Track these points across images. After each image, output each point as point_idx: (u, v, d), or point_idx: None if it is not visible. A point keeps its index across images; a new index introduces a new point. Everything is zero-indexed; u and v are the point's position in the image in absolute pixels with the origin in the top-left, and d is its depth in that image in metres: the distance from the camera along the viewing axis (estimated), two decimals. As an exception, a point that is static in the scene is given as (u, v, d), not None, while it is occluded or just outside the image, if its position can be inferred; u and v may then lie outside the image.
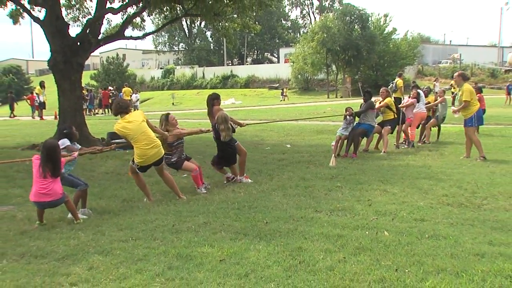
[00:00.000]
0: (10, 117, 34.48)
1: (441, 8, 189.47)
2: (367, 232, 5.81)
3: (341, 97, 48.55)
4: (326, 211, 6.87)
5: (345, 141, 12.23)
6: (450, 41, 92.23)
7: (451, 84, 28.25)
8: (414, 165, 10.53)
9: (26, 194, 8.71)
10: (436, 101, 14.55)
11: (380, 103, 12.85)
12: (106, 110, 35.85)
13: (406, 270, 4.60)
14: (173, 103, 52.09)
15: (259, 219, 6.50)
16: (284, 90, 51.83)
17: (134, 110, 34.70)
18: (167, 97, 57.13)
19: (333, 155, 11.13)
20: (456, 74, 11.87)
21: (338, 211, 6.85)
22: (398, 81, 21.88)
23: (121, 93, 35.87)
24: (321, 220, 6.38)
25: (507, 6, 75.17)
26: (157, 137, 8.11)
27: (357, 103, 35.05)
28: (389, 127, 12.79)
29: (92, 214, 7.32)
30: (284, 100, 48.26)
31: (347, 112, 12.25)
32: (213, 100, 9.82)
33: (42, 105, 31.39)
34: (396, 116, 12.93)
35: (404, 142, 13.74)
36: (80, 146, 7.93)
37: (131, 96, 35.15)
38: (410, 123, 13.57)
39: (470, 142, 11.37)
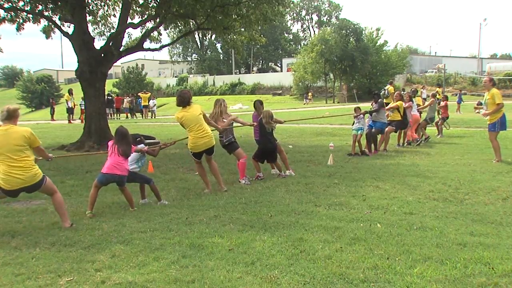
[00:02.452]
0: (51, 120, 34.43)
1: (427, 22, 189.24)
2: (361, 224, 5.80)
3: (338, 102, 48.49)
4: (324, 205, 6.86)
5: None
6: (435, 52, 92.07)
7: (437, 90, 28.21)
8: (403, 164, 10.51)
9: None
10: (426, 104, 15.24)
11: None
12: (118, 114, 35.99)
13: (397, 258, 4.59)
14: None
15: (264, 212, 6.50)
16: (309, 94, 51.61)
17: (152, 114, 34.92)
18: (181, 102, 57.10)
19: (331, 154, 11.10)
20: (486, 79, 11.22)
21: (335, 206, 6.84)
22: (390, 88, 22.01)
23: (140, 99, 35.93)
24: (320, 214, 6.38)
25: (485, 22, 74.79)
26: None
27: (352, 108, 35.03)
28: (394, 127, 13.03)
29: (167, 203, 7.47)
30: (307, 104, 48.25)
31: (357, 112, 12.43)
32: (258, 105, 9.97)
33: (70, 110, 31.46)
34: (401, 118, 13.12)
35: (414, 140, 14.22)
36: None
37: (149, 101, 35.20)
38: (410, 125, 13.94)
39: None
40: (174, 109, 53.19)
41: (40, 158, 6.53)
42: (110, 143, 7.09)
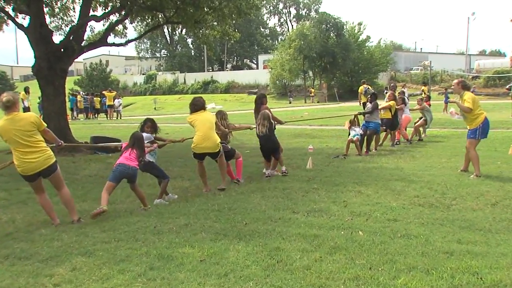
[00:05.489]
0: None
1: (412, 17, 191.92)
2: (342, 232, 5.83)
3: (318, 102, 48.80)
4: (303, 212, 6.89)
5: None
6: (421, 48, 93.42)
7: (422, 89, 28.68)
8: (387, 167, 10.62)
9: (11, 197, 8.65)
10: (416, 108, 15.86)
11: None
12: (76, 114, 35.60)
13: (380, 268, 4.63)
14: (155, 108, 51.78)
15: (238, 220, 6.49)
16: (312, 90, 51.84)
17: (117, 114, 34.56)
18: (149, 102, 56.76)
19: (310, 157, 11.16)
20: (455, 82, 10.12)
21: (314, 212, 6.86)
22: (361, 87, 22.74)
23: (105, 98, 35.56)
24: (298, 221, 6.40)
25: (474, 16, 76.34)
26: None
27: (333, 108, 35.31)
28: (384, 127, 13.71)
29: (176, 197, 8.35)
30: (312, 101, 48.59)
31: (353, 123, 12.98)
32: (261, 99, 10.82)
33: (26, 110, 30.91)
34: (392, 118, 13.85)
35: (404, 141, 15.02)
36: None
37: (113, 101, 34.86)
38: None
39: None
40: (141, 109, 52.98)
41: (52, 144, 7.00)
42: (124, 144, 7.81)
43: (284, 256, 5.01)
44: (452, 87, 10.27)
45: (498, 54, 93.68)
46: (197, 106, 8.85)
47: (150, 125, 8.54)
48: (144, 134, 8.11)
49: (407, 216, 6.56)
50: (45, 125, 6.67)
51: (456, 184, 8.55)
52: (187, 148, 13.57)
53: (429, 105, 16.91)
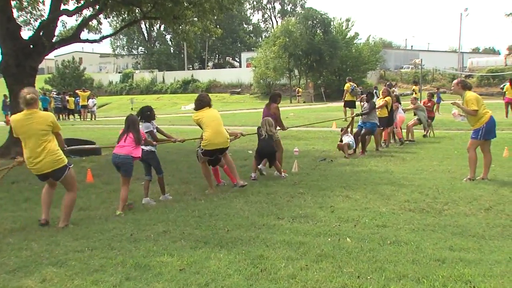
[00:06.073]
0: None
1: (403, 13, 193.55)
2: (329, 239, 5.86)
3: (304, 102, 48.92)
4: (288, 218, 6.90)
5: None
6: (412, 46, 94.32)
7: (413, 89, 28.91)
8: (376, 171, 10.69)
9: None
10: (409, 107, 16.69)
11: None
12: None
13: (368, 277, 4.65)
14: (132, 108, 51.33)
15: (220, 227, 6.49)
16: (299, 90, 51.91)
17: (91, 115, 34.34)
18: (126, 102, 56.34)
19: (296, 161, 11.19)
20: (454, 82, 10.12)
21: (300, 218, 6.88)
22: (347, 85, 23.00)
23: (78, 98, 35.27)
24: (283, 227, 6.41)
25: (466, 12, 77.26)
26: None
27: (320, 108, 35.42)
28: (381, 128, 14.02)
29: (171, 197, 8.63)
30: (298, 102, 48.66)
31: (343, 132, 13.48)
32: (274, 98, 11.27)
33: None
34: (388, 115, 14.21)
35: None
36: (156, 125, 8.92)
37: (87, 100, 34.60)
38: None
39: (489, 159, 9.68)
40: (117, 109, 52.63)
41: None
42: (121, 132, 8.05)
43: (268, 265, 5.01)
44: (452, 88, 10.17)
45: (492, 52, 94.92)
46: (203, 102, 9.01)
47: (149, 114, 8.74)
48: (145, 124, 8.44)
49: (397, 222, 6.60)
50: (60, 128, 7.02)
51: (448, 188, 8.64)
52: (161, 151, 13.55)
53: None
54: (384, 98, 14.27)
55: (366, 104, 13.59)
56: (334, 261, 5.09)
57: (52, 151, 6.71)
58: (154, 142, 8.50)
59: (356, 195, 8.27)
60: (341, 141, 13.21)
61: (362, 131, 13.21)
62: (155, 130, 8.70)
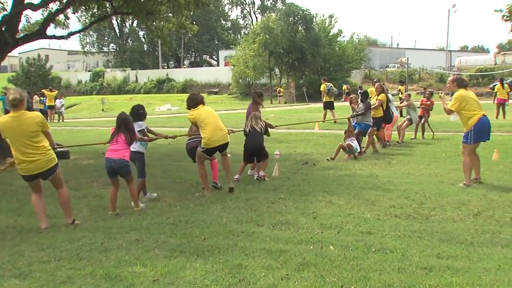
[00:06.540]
0: None
1: (388, 9, 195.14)
2: (311, 247, 5.88)
3: (285, 102, 49.03)
4: (268, 225, 6.91)
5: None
6: (398, 44, 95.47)
7: (399, 89, 29.13)
8: (360, 175, 10.74)
9: None
10: (403, 104, 16.89)
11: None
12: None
13: (352, 287, 4.68)
14: (102, 109, 51.14)
15: (196, 234, 6.47)
16: (281, 90, 51.86)
17: (59, 116, 33.96)
18: (96, 102, 56.06)
19: (277, 164, 11.20)
20: (450, 79, 10.08)
21: (281, 225, 6.89)
22: (323, 85, 23.27)
23: (44, 98, 34.93)
24: (263, 235, 6.42)
25: (454, 8, 78.18)
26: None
27: (301, 109, 35.51)
28: (375, 128, 14.04)
29: (155, 195, 9.03)
30: (279, 102, 48.68)
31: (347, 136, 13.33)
32: (253, 97, 11.59)
33: None
34: (384, 113, 14.29)
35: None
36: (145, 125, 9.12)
37: (55, 101, 34.28)
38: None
39: (476, 161, 9.66)
40: (87, 110, 52.31)
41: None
42: (112, 130, 8.16)
43: (247, 274, 5.02)
44: (447, 85, 10.20)
45: (481, 50, 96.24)
46: (197, 100, 9.24)
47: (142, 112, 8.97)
48: (137, 123, 8.62)
49: (382, 229, 6.64)
50: (49, 126, 7.28)
51: (436, 193, 8.70)
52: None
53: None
54: (378, 96, 14.32)
55: (361, 105, 13.56)
56: (316, 270, 5.11)
57: (44, 151, 6.96)
58: (146, 138, 8.76)
59: (340, 200, 8.30)
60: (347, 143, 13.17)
61: (355, 132, 13.34)
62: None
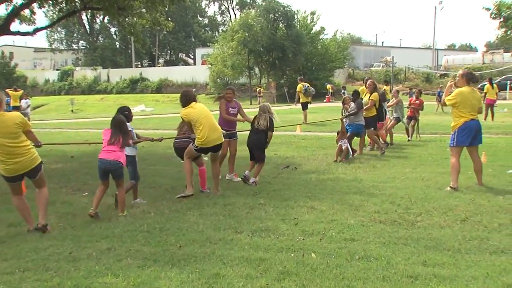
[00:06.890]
0: None
1: (373, 6, 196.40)
2: (292, 255, 5.88)
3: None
4: (247, 231, 6.90)
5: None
6: (382, 42, 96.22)
7: (384, 89, 29.31)
8: (344, 179, 10.79)
9: None
10: (392, 102, 16.87)
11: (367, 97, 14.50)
12: None
13: (335, 296, 4.69)
14: (72, 110, 50.76)
15: (171, 242, 6.45)
16: (261, 90, 51.61)
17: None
18: (65, 103, 55.60)
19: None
20: (459, 73, 10.09)
21: (260, 232, 6.89)
22: (299, 85, 23.52)
23: (9, 98, 34.53)
24: (242, 242, 6.41)
25: (441, 5, 79.05)
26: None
27: (283, 110, 35.55)
28: (372, 128, 14.21)
29: (145, 202, 9.03)
30: (259, 103, 48.44)
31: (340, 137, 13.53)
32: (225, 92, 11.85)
33: None
34: (377, 112, 14.45)
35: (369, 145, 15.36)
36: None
37: (20, 101, 33.92)
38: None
39: (478, 165, 9.81)
40: (54, 111, 51.88)
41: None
42: (105, 132, 8.32)
43: (224, 284, 5.01)
44: (456, 79, 10.14)
45: (469, 48, 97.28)
46: (189, 97, 9.44)
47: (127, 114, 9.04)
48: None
49: (367, 235, 6.67)
50: (31, 125, 7.42)
51: (422, 198, 8.77)
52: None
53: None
54: (370, 94, 14.40)
55: (352, 104, 13.66)
56: (297, 279, 5.12)
57: (27, 151, 7.09)
58: (130, 141, 8.73)
59: (322, 205, 8.32)
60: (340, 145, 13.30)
61: (348, 134, 13.50)
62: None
